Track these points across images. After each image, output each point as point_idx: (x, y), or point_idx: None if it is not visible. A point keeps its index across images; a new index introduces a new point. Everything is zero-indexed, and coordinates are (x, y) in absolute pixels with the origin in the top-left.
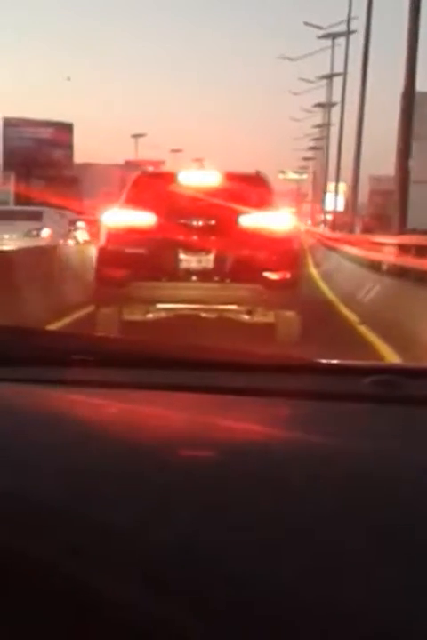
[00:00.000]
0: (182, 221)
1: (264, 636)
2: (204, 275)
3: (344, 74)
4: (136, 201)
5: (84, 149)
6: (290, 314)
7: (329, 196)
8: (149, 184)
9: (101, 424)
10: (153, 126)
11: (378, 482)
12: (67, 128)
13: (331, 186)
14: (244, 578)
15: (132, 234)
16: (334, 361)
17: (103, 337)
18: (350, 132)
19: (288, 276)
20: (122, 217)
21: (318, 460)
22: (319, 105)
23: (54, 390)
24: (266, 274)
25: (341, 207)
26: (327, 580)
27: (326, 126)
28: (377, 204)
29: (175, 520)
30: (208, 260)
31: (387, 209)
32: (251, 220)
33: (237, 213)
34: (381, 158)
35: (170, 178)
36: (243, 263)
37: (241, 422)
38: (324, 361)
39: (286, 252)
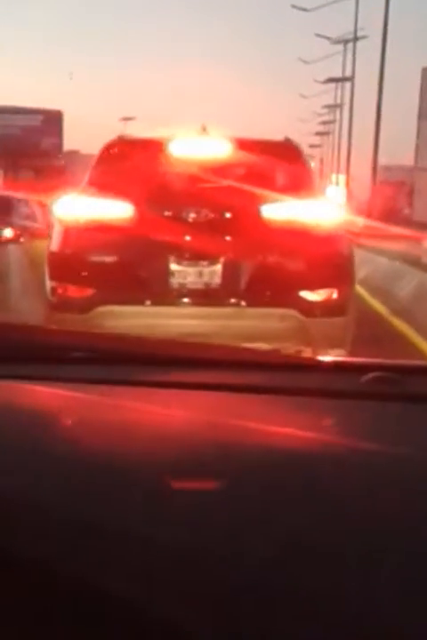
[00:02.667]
0: (175, 214)
1: (265, 635)
2: (207, 295)
3: (383, 33)
4: (106, 183)
5: (74, 137)
6: (338, 353)
7: (330, 188)
8: (125, 157)
9: (100, 421)
10: (143, 109)
11: (378, 478)
12: (56, 116)
13: (332, 177)
14: (246, 577)
15: (100, 233)
16: (335, 358)
17: (101, 334)
18: (363, 114)
19: (335, 295)
20: (84, 207)
21: (319, 456)
22: (332, 80)
23: (52, 387)
24: (303, 293)
25: (342, 199)
26: (330, 578)
27: (338, 107)
28: (387, 195)
29: (176, 518)
30: (214, 273)
31: (397, 201)
32: (279, 211)
33: (258, 201)
34: (393, 146)
35: (157, 148)
36: (268, 277)
37: (241, 419)
38: (325, 358)
39: (333, 260)
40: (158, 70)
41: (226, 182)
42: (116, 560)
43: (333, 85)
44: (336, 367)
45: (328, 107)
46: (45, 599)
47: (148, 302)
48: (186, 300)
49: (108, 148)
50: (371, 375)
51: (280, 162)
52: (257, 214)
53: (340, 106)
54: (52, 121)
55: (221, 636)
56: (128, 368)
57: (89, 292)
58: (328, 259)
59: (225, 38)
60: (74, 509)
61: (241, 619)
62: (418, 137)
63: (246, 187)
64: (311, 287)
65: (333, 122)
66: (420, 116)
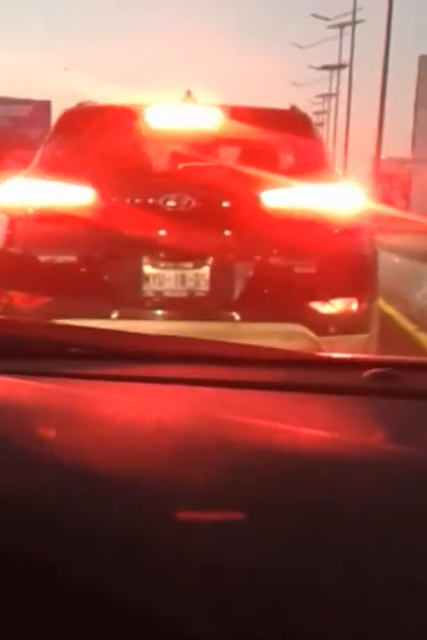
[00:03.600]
0: (150, 201)
1: (268, 636)
2: (191, 306)
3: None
4: (63, 162)
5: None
6: None
7: None
8: (87, 129)
9: (100, 418)
10: (130, 92)
11: (378, 474)
12: (44, 106)
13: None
14: (245, 577)
15: (54, 225)
16: (335, 354)
17: (102, 330)
18: (357, 104)
19: (355, 306)
20: (35, 193)
21: (319, 452)
22: (327, 67)
23: (52, 383)
24: (314, 304)
25: None
26: (329, 574)
27: (333, 96)
28: (383, 188)
29: (176, 516)
30: (200, 278)
31: (390, 194)
32: (283, 198)
33: (257, 186)
34: (385, 138)
35: (128, 119)
36: (269, 283)
37: (242, 415)
38: (324, 354)
39: (352, 261)
40: (143, 57)
41: (216, 161)
42: (115, 559)
43: (327, 73)
44: (337, 363)
45: (323, 96)
46: (44, 599)
47: (114, 315)
48: (163, 312)
49: (66, 118)
50: (372, 371)
51: (285, 136)
52: (255, 202)
53: (335, 95)
54: (41, 111)
55: (222, 636)
56: (128, 364)
57: (40, 301)
58: (346, 259)
59: (211, 15)
60: (73, 507)
61: (242, 620)
62: (415, 127)
63: (242, 167)
64: (325, 296)
65: (325, 112)
66: (417, 106)
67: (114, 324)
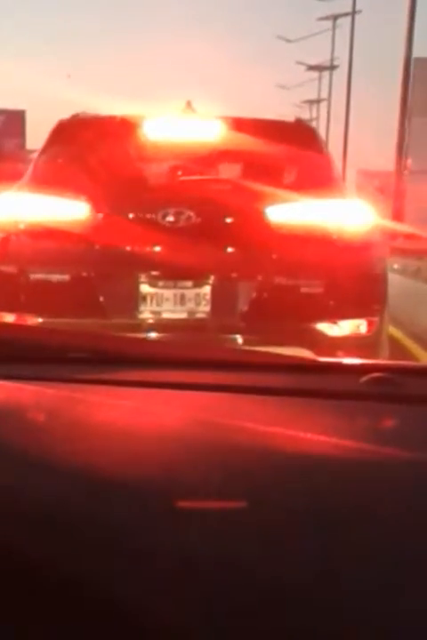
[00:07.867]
0: (148, 216)
1: (267, 636)
2: (191, 328)
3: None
4: (57, 175)
5: (39, 136)
6: None
7: None
8: (82, 141)
9: (99, 422)
10: (108, 104)
11: (377, 479)
12: (18, 115)
13: None
14: (246, 579)
15: (47, 242)
16: (333, 359)
17: (101, 334)
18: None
19: (364, 328)
20: (26, 207)
21: (317, 457)
22: (314, 68)
23: (52, 388)
24: (320, 326)
25: None
26: (327, 580)
27: (323, 101)
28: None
29: (177, 520)
30: (201, 298)
31: (376, 208)
32: (288, 213)
33: (261, 201)
34: (373, 148)
35: (125, 131)
36: (273, 304)
37: (240, 420)
38: (323, 359)
39: (361, 280)
40: (123, 63)
41: (217, 175)
42: (114, 561)
43: (314, 74)
44: (335, 368)
45: (310, 102)
46: (43, 601)
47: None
48: (161, 334)
49: (60, 130)
50: (370, 376)
51: (290, 149)
52: (259, 218)
53: (326, 100)
54: (15, 121)
55: (221, 636)
56: (127, 368)
57: (31, 322)
58: (355, 279)
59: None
60: (72, 510)
61: (243, 621)
62: (409, 137)
63: (245, 181)
64: (331, 317)
65: (313, 119)
66: (412, 113)
67: None
